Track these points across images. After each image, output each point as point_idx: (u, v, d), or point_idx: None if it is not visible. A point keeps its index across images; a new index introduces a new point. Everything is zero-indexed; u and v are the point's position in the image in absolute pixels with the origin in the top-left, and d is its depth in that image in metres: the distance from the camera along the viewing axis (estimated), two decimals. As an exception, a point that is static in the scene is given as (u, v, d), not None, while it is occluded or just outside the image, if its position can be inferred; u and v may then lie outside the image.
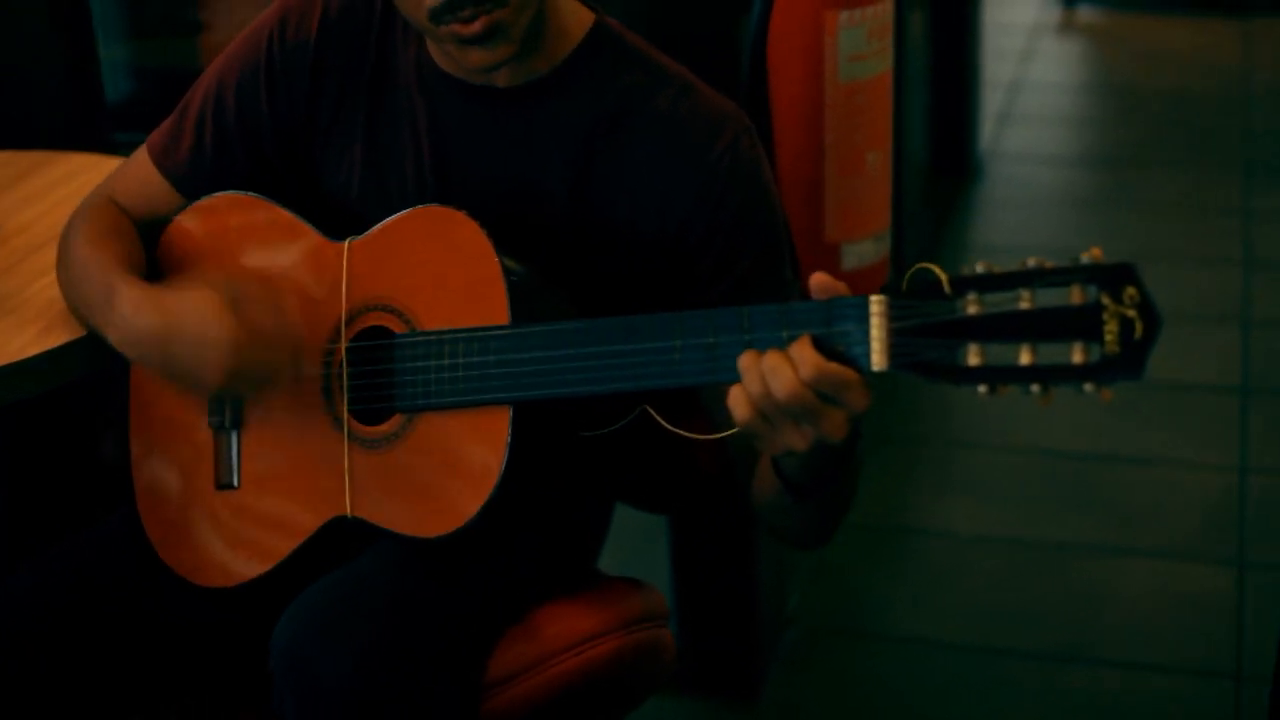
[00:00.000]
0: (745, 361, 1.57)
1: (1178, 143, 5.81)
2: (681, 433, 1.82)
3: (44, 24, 2.93)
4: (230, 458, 1.94)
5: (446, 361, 1.80)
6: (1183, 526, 3.60)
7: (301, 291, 1.91)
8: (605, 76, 1.90)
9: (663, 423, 1.82)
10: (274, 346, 1.82)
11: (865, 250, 2.71)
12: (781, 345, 1.57)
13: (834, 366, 1.53)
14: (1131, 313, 1.47)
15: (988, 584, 3.44)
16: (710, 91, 1.92)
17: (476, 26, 1.78)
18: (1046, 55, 6.78)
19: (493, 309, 1.79)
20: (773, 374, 1.54)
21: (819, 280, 1.57)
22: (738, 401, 1.58)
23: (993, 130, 5.85)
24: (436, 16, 1.78)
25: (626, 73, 1.90)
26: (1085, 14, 7.22)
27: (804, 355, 1.53)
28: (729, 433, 1.77)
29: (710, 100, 1.90)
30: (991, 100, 5.99)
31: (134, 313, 1.83)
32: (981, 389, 1.51)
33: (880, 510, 3.65)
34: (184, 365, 1.81)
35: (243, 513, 1.93)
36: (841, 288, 1.57)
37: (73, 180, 2.54)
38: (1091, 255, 1.48)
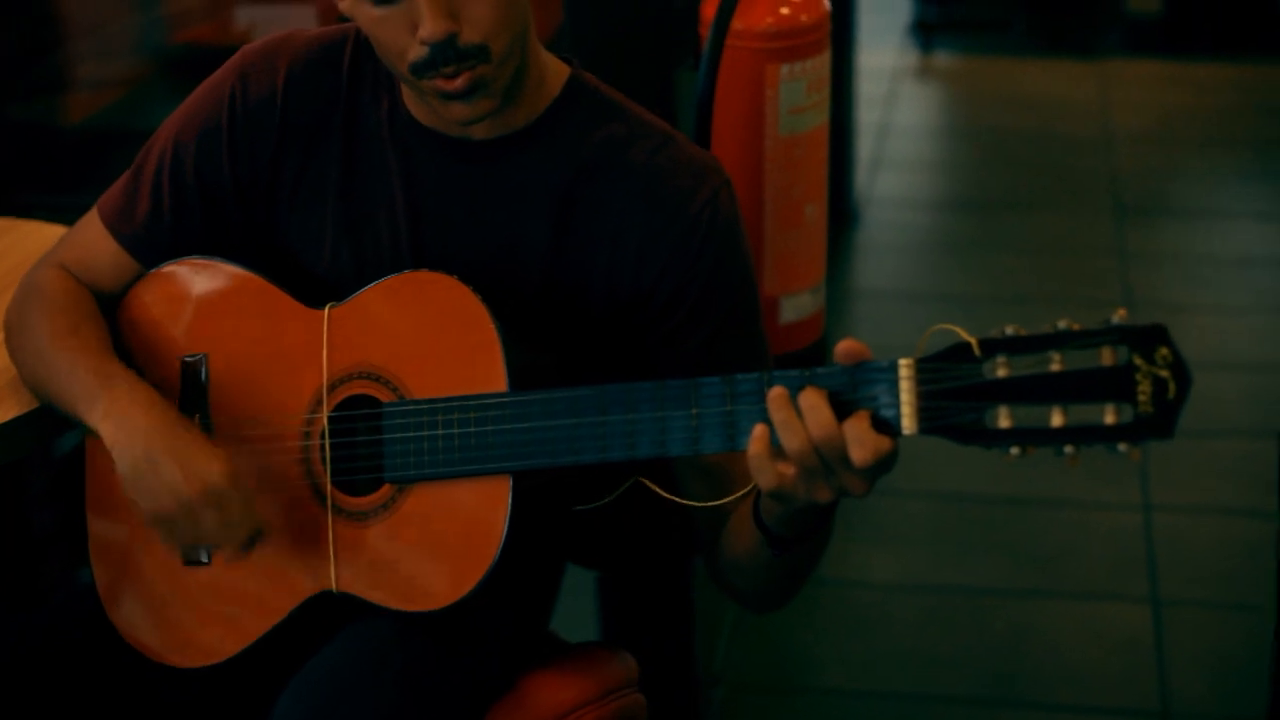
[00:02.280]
0: (782, 415, 1.57)
1: (1047, 185, 5.89)
2: (682, 501, 1.80)
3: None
4: (207, 536, 1.88)
5: (441, 431, 1.75)
6: (1097, 566, 3.64)
7: (279, 359, 1.86)
8: (583, 128, 1.88)
9: (661, 493, 1.80)
10: (242, 516, 1.77)
11: (803, 303, 2.70)
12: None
13: (881, 443, 1.55)
14: (1165, 373, 1.48)
15: (909, 631, 3.45)
16: (689, 143, 1.90)
17: (459, 82, 1.75)
18: (909, 100, 6.86)
19: (489, 376, 1.75)
20: (814, 425, 1.56)
21: (846, 347, 1.57)
22: (763, 460, 1.58)
23: (866, 176, 5.90)
24: (419, 71, 1.75)
25: (605, 124, 1.88)
26: (942, 58, 7.32)
27: (857, 428, 1.55)
28: (735, 497, 1.76)
29: (690, 152, 1.89)
30: (862, 146, 6.04)
31: (136, 410, 1.79)
32: (1014, 451, 1.51)
33: (796, 560, 3.64)
34: (162, 476, 1.76)
35: (214, 590, 1.87)
36: (867, 352, 1.57)
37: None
38: (1120, 316, 1.50)
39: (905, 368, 1.55)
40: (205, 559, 1.87)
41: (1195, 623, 3.45)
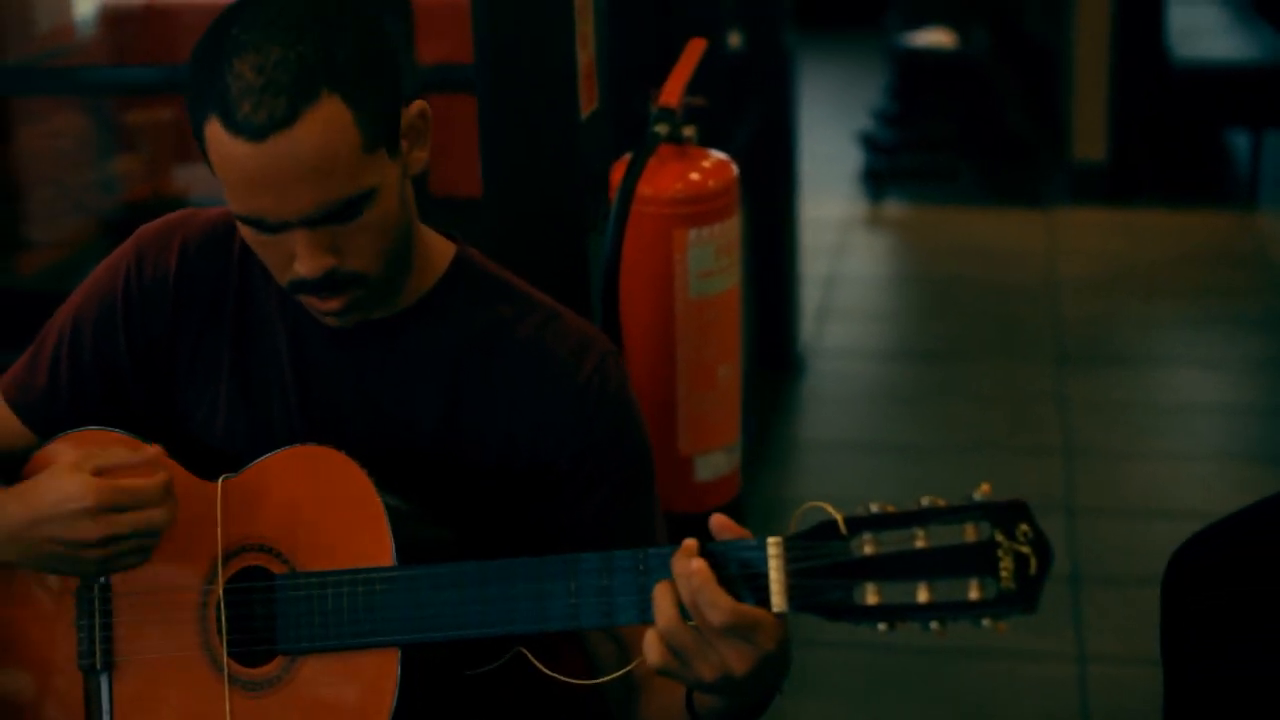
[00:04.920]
0: (660, 591, 1.61)
1: (991, 333, 5.95)
2: (559, 677, 1.82)
3: None
4: (101, 704, 1.89)
5: (330, 604, 1.78)
6: (1029, 719, 3.63)
7: (175, 530, 1.87)
8: (469, 306, 1.92)
9: (538, 665, 1.82)
10: (139, 493, 1.78)
11: (718, 461, 2.74)
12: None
13: (743, 607, 1.58)
14: (1025, 549, 1.52)
15: (841, 786, 3.45)
16: (573, 317, 1.94)
17: (334, 304, 1.81)
18: (858, 250, 6.93)
19: (376, 550, 1.77)
20: (683, 589, 1.60)
21: (719, 522, 1.61)
22: (651, 638, 1.62)
23: (813, 326, 5.95)
24: (295, 290, 1.80)
25: (490, 302, 1.92)
26: (892, 208, 7.40)
27: (716, 600, 1.57)
28: (606, 679, 1.79)
29: (574, 325, 1.93)
30: (809, 296, 6.09)
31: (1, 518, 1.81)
32: (881, 627, 1.54)
33: (730, 714, 3.64)
34: (59, 539, 1.78)
35: None
36: (741, 530, 1.61)
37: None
38: (982, 492, 1.53)
39: (774, 546, 1.59)
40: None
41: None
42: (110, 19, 4.84)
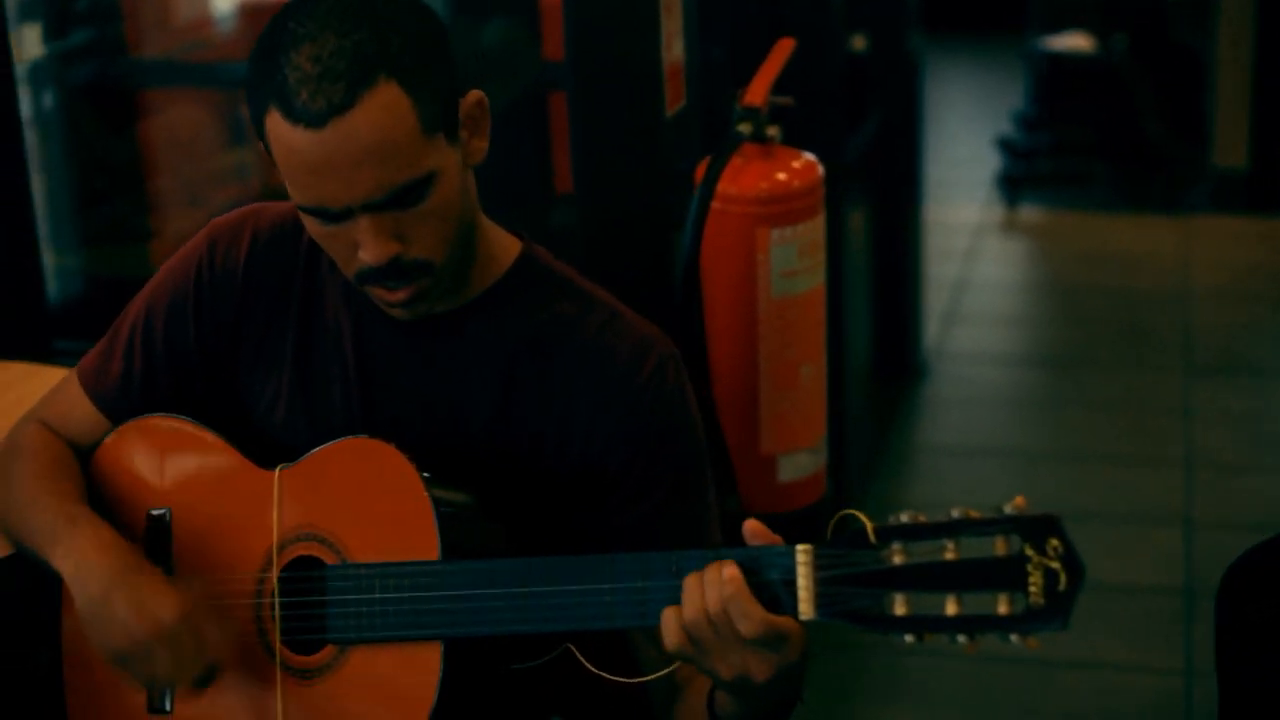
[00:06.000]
0: (691, 582, 1.63)
1: (1120, 341, 5.87)
2: (604, 675, 1.82)
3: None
4: (157, 688, 1.92)
5: (378, 595, 1.80)
6: (1131, 734, 3.59)
7: (234, 518, 1.91)
8: (532, 304, 1.92)
9: (584, 662, 1.82)
10: (194, 653, 1.81)
11: (801, 462, 2.73)
12: None
13: (773, 619, 1.60)
14: (1055, 564, 1.50)
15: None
16: (636, 318, 1.94)
17: (401, 295, 1.82)
18: (991, 254, 6.87)
19: (423, 544, 1.79)
20: (711, 597, 1.62)
21: (752, 527, 1.62)
22: (669, 622, 1.63)
23: (938, 330, 5.91)
24: (362, 281, 1.82)
25: (552, 300, 1.93)
26: (1028, 213, 7.32)
27: (749, 610, 1.59)
28: (649, 678, 1.79)
29: (636, 326, 1.92)
30: (937, 300, 6.05)
31: (94, 550, 1.84)
32: (909, 638, 1.53)
33: (827, 719, 3.63)
34: (116, 614, 1.80)
35: None
36: (772, 536, 1.61)
37: (8, 392, 2.54)
38: (1015, 505, 1.52)
39: (803, 553, 1.59)
40: (168, 707, 1.91)
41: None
42: (248, 14, 4.91)
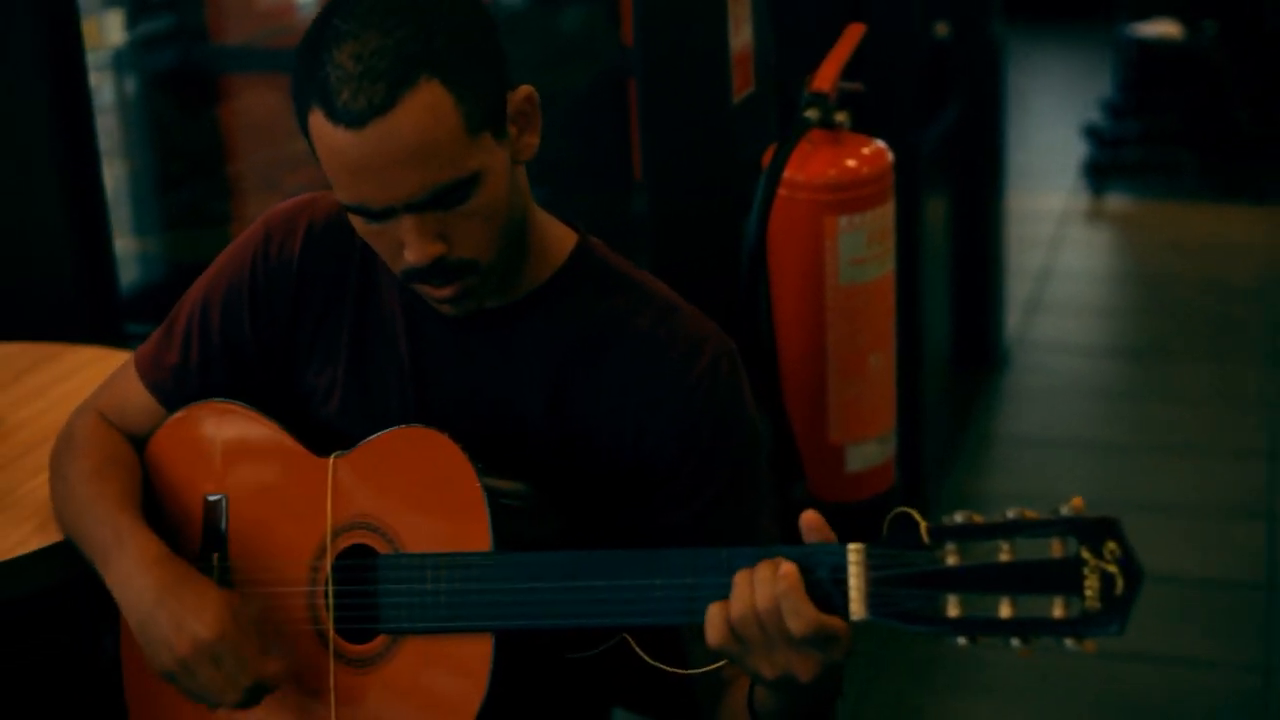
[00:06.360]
0: (741, 579, 1.61)
1: (1204, 333, 5.80)
2: (660, 665, 1.81)
3: (58, 215, 2.97)
4: (214, 671, 1.92)
5: (429, 586, 1.79)
6: (1207, 727, 3.54)
7: (288, 505, 1.91)
8: (586, 299, 1.90)
9: (640, 653, 1.80)
10: (236, 671, 1.81)
11: (870, 452, 2.70)
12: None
13: (824, 618, 1.58)
14: (1112, 568, 1.47)
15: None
16: (693, 313, 1.91)
17: (448, 292, 1.79)
18: (1075, 243, 6.80)
19: (474, 534, 1.78)
20: (760, 595, 1.60)
21: (809, 520, 1.60)
22: (715, 617, 1.62)
23: (1020, 319, 5.86)
24: (408, 279, 1.80)
25: (607, 295, 1.90)
26: (1114, 202, 7.25)
27: (800, 608, 1.58)
28: (703, 670, 1.78)
29: (690, 323, 1.89)
30: (1020, 289, 6.00)
31: (139, 569, 1.85)
32: (961, 641, 1.51)
33: (900, 711, 3.60)
34: (162, 638, 1.81)
35: None
36: (828, 533, 1.60)
37: (77, 375, 2.57)
38: (1073, 507, 1.49)
39: (855, 552, 1.57)
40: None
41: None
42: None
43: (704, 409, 1.85)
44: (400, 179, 1.70)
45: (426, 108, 1.68)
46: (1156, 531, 4.13)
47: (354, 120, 1.68)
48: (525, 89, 1.81)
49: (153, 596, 1.83)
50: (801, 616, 1.57)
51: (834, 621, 1.58)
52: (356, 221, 1.78)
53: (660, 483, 1.86)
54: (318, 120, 1.71)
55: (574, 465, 1.88)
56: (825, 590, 1.58)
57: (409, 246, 1.74)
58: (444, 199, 1.72)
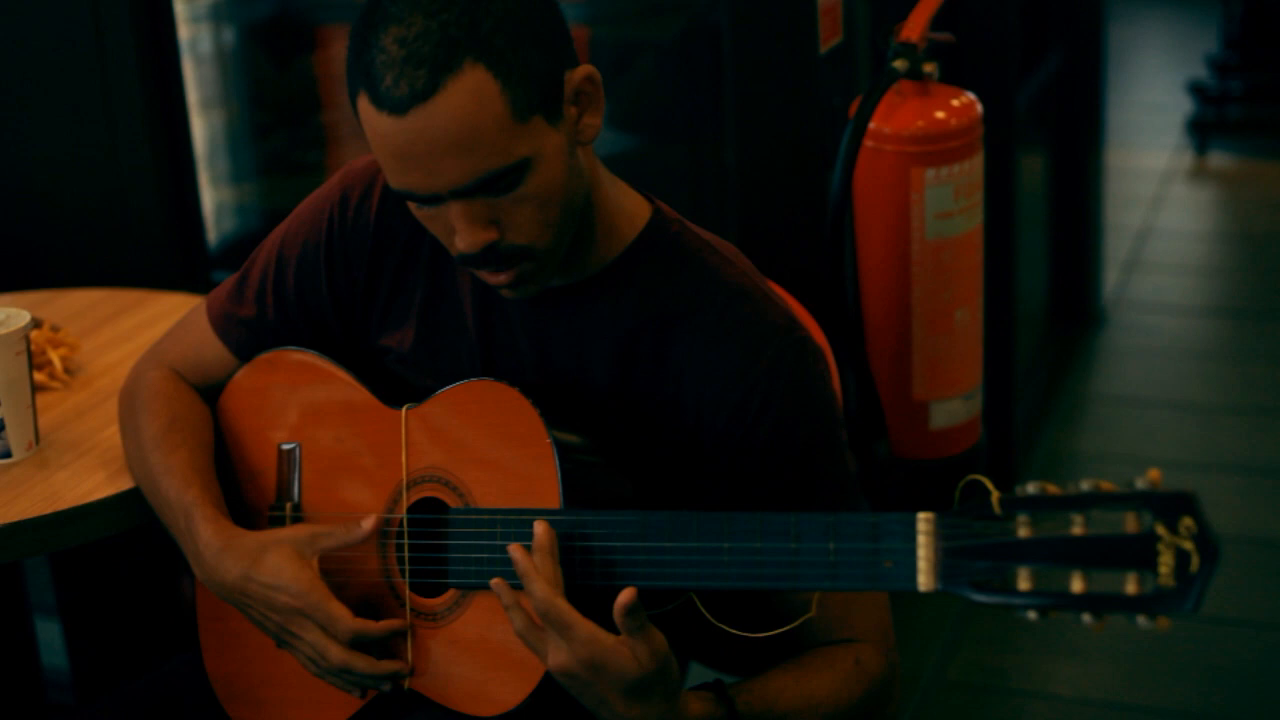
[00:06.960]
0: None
1: (1306, 294, 5.72)
2: (724, 627, 1.79)
3: (146, 162, 2.98)
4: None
5: (499, 541, 1.77)
6: (1293, 697, 3.49)
7: (362, 456, 1.91)
8: (655, 278, 1.85)
9: (705, 613, 1.78)
10: (332, 623, 1.82)
11: (954, 409, 2.67)
12: (827, 556, 1.61)
13: (561, 601, 1.68)
14: (1188, 544, 1.44)
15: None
16: (766, 296, 1.85)
17: (503, 278, 1.77)
18: (1178, 202, 6.71)
19: (544, 490, 1.76)
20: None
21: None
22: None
23: (1119, 278, 5.78)
24: (463, 263, 1.78)
25: (677, 275, 1.85)
26: (1217, 160, 7.15)
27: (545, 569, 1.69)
28: (763, 634, 1.76)
29: (761, 308, 1.84)
30: (1119, 247, 5.92)
31: (216, 562, 1.86)
32: (1032, 614, 1.49)
33: (980, 671, 3.57)
34: (254, 605, 1.85)
35: (301, 675, 1.92)
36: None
37: (161, 322, 2.58)
38: (1149, 479, 1.45)
39: (924, 522, 1.55)
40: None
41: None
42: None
43: (766, 401, 1.80)
44: (445, 167, 1.67)
45: (470, 93, 1.64)
46: (1253, 494, 4.06)
47: (396, 107, 1.65)
48: (585, 68, 1.76)
49: (236, 576, 1.85)
50: (543, 578, 1.69)
51: (572, 612, 1.66)
52: (410, 204, 1.76)
53: (723, 473, 1.83)
54: (364, 104, 1.68)
55: (637, 447, 1.85)
56: (893, 559, 1.56)
57: (459, 234, 1.72)
58: (491, 186, 1.69)
